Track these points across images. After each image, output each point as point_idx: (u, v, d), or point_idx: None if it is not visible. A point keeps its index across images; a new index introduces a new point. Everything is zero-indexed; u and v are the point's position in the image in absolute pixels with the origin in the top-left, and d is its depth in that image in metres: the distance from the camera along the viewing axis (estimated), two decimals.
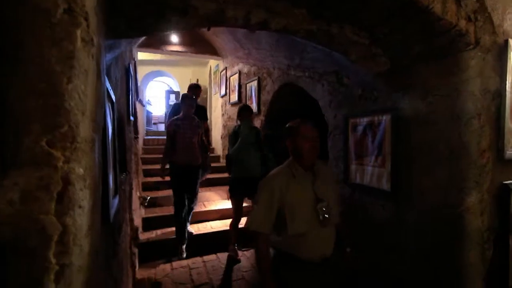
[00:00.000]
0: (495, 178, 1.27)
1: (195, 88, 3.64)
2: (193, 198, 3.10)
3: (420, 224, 1.45)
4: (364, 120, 1.79)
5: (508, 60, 1.21)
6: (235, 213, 2.81)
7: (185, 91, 3.64)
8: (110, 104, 1.37)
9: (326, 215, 1.27)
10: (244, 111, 2.81)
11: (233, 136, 2.80)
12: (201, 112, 3.52)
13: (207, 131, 3.67)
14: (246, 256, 2.86)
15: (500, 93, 1.23)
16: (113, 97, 1.47)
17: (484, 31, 1.22)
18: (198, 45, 5.00)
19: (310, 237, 1.27)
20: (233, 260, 2.61)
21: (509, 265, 1.31)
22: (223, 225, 3.44)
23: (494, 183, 1.27)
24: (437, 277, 1.36)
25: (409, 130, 1.53)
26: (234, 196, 2.78)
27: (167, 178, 3.08)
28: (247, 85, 4.03)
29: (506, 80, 1.21)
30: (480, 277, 1.29)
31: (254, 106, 3.71)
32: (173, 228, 3.00)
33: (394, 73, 1.55)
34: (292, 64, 2.77)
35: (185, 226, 3.00)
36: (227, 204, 3.85)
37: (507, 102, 1.22)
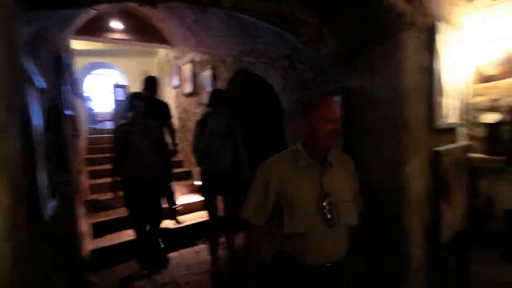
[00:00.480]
0: (429, 146, 1.42)
1: (150, 81, 3.04)
2: (154, 220, 2.53)
3: (373, 196, 1.57)
4: None
5: (436, 40, 1.34)
6: (210, 216, 2.48)
7: (134, 85, 3.24)
8: (37, 92, 1.18)
9: (333, 213, 1.08)
10: (215, 97, 2.46)
11: (200, 126, 2.42)
12: (162, 110, 2.98)
13: (173, 132, 3.19)
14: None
15: (431, 70, 1.36)
16: (41, 83, 1.27)
17: (419, 13, 1.33)
18: (145, 32, 4.63)
19: (312, 238, 1.08)
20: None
21: (440, 222, 1.49)
22: (191, 218, 3.33)
23: (428, 151, 1.42)
24: (387, 240, 1.49)
25: (360, 110, 1.62)
26: (207, 194, 2.50)
27: (121, 193, 2.52)
28: (201, 74, 3.87)
29: (435, 58, 1.34)
30: (421, 236, 1.45)
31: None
32: (129, 231, 2.77)
33: (343, 55, 1.62)
34: (245, 50, 2.73)
35: (156, 253, 2.55)
36: (190, 199, 3.73)
37: (436, 78, 1.36)
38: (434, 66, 1.36)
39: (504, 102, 1.59)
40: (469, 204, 1.73)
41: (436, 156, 1.42)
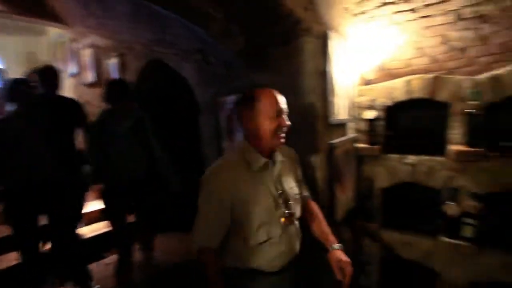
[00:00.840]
0: (325, 140, 1.63)
1: (48, 74, 2.06)
2: (58, 225, 1.95)
3: None
4: (231, 99, 1.88)
5: (328, 47, 1.54)
6: (120, 246, 2.05)
7: (14, 69, 2.28)
8: None
9: (290, 211, 1.04)
10: (114, 90, 1.94)
11: (97, 127, 1.90)
12: (71, 111, 2.06)
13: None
14: None
15: (325, 73, 1.55)
16: None
17: (314, 21, 1.49)
18: (30, 5, 3.71)
19: (277, 241, 1.02)
20: None
21: (335, 204, 1.75)
22: (95, 229, 2.91)
23: (325, 143, 1.63)
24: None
25: None
26: (112, 216, 1.99)
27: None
28: (106, 62, 3.39)
29: (328, 62, 1.54)
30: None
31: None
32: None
33: (251, 53, 1.67)
34: (154, 39, 2.52)
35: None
36: (91, 207, 3.26)
37: (329, 80, 1.56)
38: (328, 69, 1.55)
39: (379, 101, 1.96)
40: (356, 185, 2.08)
41: (331, 148, 1.64)
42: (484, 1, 1.44)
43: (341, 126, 1.82)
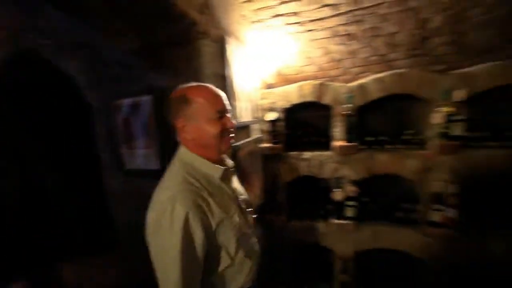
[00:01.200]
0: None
1: None
2: None
3: None
4: (128, 102, 1.70)
5: (227, 51, 1.57)
6: None
7: None
8: None
9: (254, 215, 0.95)
10: None
11: None
12: None
13: None
14: None
15: (225, 77, 1.58)
16: None
17: (211, 25, 1.49)
18: None
19: (250, 259, 0.91)
20: None
21: None
22: None
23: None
24: None
25: None
26: None
27: None
28: None
29: (227, 66, 1.57)
30: None
31: None
32: None
33: (148, 53, 1.56)
34: (26, 26, 2.04)
35: None
36: None
37: (229, 84, 1.60)
38: (227, 73, 1.58)
39: (279, 104, 2.15)
40: (263, 183, 2.22)
41: (234, 150, 1.69)
42: (350, 22, 1.75)
43: (245, 128, 1.90)
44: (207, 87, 0.86)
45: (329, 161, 2.08)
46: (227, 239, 0.84)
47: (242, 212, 0.93)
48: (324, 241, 2.18)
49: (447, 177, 1.80)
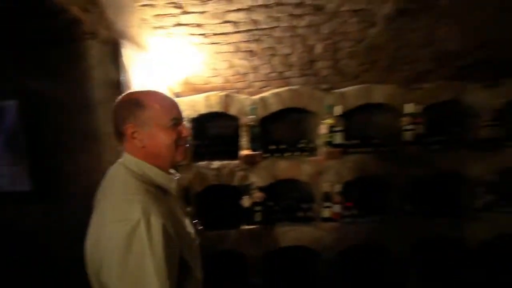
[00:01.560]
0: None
1: None
2: None
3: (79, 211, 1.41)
4: None
5: (122, 56, 1.45)
6: None
7: None
8: None
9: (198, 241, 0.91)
10: None
11: None
12: None
13: None
14: None
15: (119, 83, 1.45)
16: None
17: (100, 25, 1.34)
18: None
19: (198, 277, 0.86)
20: None
21: None
22: None
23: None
24: None
25: (51, 117, 1.38)
26: None
27: None
28: None
29: (122, 72, 1.45)
30: None
31: None
32: None
33: (20, 51, 1.28)
34: None
35: None
36: None
37: (124, 91, 1.47)
38: (123, 79, 1.45)
39: (187, 114, 2.11)
40: None
41: None
42: (251, 40, 1.89)
43: None
44: (161, 93, 0.83)
45: (237, 169, 2.15)
46: (186, 252, 0.80)
47: (190, 223, 0.93)
48: (237, 247, 2.22)
49: (333, 179, 2.13)
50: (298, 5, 1.68)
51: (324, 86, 2.27)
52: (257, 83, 2.24)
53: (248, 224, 2.16)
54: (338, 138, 2.07)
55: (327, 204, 2.14)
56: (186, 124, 0.89)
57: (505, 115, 2.10)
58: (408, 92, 2.11)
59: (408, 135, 2.08)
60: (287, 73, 2.18)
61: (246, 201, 2.13)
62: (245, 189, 2.15)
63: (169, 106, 0.81)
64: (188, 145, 0.88)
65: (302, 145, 2.22)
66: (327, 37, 1.91)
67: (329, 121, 2.04)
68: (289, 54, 2.02)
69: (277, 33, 1.86)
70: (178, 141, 0.81)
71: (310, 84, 2.25)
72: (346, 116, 2.13)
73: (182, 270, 0.77)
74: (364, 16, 1.77)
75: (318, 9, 1.70)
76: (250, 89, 2.24)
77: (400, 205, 2.20)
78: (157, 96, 0.82)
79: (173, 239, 0.71)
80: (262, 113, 2.09)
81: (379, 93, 2.09)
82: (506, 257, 2.30)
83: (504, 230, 2.24)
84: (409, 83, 2.30)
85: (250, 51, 1.99)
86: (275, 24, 1.80)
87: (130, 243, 0.65)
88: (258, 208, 2.14)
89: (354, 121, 2.27)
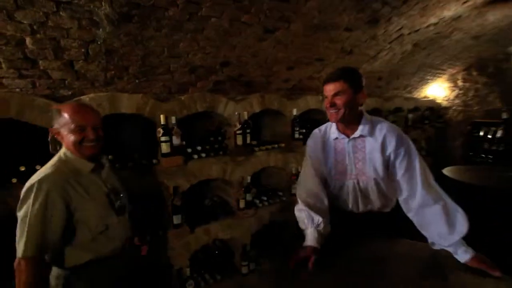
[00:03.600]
0: None
1: None
2: None
3: None
4: None
5: None
6: None
7: None
8: None
9: (120, 202, 1.30)
10: None
11: None
12: None
13: None
14: None
15: None
16: None
17: None
18: None
19: (111, 230, 1.26)
20: None
21: None
22: None
23: None
24: None
25: None
26: None
27: None
28: None
29: None
30: None
31: None
32: None
33: None
34: None
35: None
36: None
37: None
38: None
39: None
40: None
41: None
42: None
43: None
44: (73, 106, 1.23)
45: None
46: (87, 217, 1.19)
47: (110, 198, 1.28)
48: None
49: None
50: None
51: (65, 92, 1.87)
52: None
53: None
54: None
55: None
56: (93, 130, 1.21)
57: (250, 125, 2.47)
58: (161, 103, 2.06)
59: (164, 147, 2.02)
60: None
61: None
62: None
63: (76, 115, 1.19)
64: (92, 144, 1.21)
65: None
66: (36, 29, 1.50)
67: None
68: None
69: None
70: (83, 141, 1.20)
71: (41, 89, 1.78)
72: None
73: (72, 226, 1.17)
74: (77, 12, 1.50)
75: None
76: None
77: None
78: (69, 108, 1.21)
79: (58, 201, 1.11)
80: None
81: (128, 103, 1.92)
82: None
83: (265, 222, 2.66)
84: (169, 93, 2.30)
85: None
86: None
87: (24, 200, 1.09)
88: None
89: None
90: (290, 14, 2.10)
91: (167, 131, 2.01)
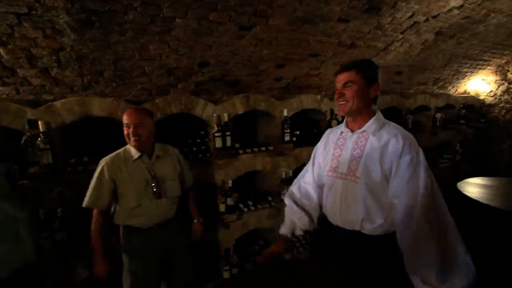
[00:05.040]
0: None
1: None
2: None
3: None
4: None
5: None
6: None
7: None
8: None
9: (156, 189, 1.63)
10: None
11: None
12: None
13: None
14: None
15: None
16: None
17: None
18: None
19: (145, 209, 1.62)
20: None
21: None
22: None
23: None
24: None
25: None
26: None
27: None
28: None
29: None
30: None
31: None
32: None
33: None
34: None
35: None
36: None
37: None
38: None
39: None
40: None
41: None
42: None
43: None
44: (128, 110, 1.64)
45: None
46: (126, 193, 1.61)
47: (147, 183, 1.64)
48: None
49: None
50: None
51: (47, 97, 2.01)
52: None
53: None
54: (48, 157, 1.83)
55: None
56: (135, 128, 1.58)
57: (230, 127, 2.38)
58: (135, 105, 2.09)
59: None
60: None
61: None
62: None
63: (127, 117, 1.60)
64: (134, 138, 1.58)
65: None
66: (5, 41, 1.62)
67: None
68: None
69: None
70: (128, 135, 1.60)
71: (24, 94, 1.93)
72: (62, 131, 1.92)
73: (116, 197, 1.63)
74: (38, 22, 1.58)
75: None
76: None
77: None
78: (126, 111, 1.64)
79: (109, 176, 1.59)
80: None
81: (100, 107, 1.98)
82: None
83: (251, 227, 2.57)
84: (150, 95, 2.32)
85: None
86: None
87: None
88: None
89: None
90: (265, 8, 1.95)
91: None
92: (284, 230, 1.47)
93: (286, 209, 1.51)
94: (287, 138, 2.66)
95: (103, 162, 1.60)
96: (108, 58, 1.94)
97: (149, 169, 1.65)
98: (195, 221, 1.98)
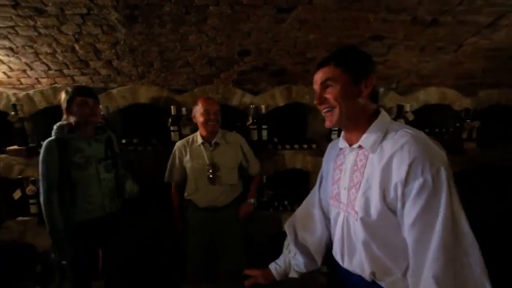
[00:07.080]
0: None
1: None
2: None
3: None
4: None
5: None
6: None
7: None
8: None
9: (211, 176, 1.79)
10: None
11: (55, 151, 1.57)
12: None
13: None
14: None
15: None
16: None
17: None
18: None
19: (201, 191, 1.84)
20: None
21: None
22: None
23: None
24: None
25: None
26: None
27: None
28: None
29: None
30: None
31: None
32: None
33: None
34: None
35: None
36: None
37: None
38: None
39: None
40: None
41: None
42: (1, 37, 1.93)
43: None
44: (204, 98, 1.88)
45: (16, 163, 2.22)
46: (189, 175, 1.88)
47: (205, 168, 1.83)
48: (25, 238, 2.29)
49: None
50: (15, 6, 1.72)
51: (113, 85, 2.36)
52: (44, 80, 2.30)
53: (22, 216, 2.25)
54: None
55: None
56: (213, 115, 1.82)
57: (265, 119, 2.24)
58: (175, 95, 2.21)
59: (173, 135, 2.20)
60: (67, 71, 2.24)
61: (17, 194, 2.20)
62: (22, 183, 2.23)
63: (205, 104, 1.81)
64: (212, 123, 1.81)
65: None
66: (77, 38, 1.97)
67: None
68: (51, 53, 2.07)
69: (25, 32, 1.90)
70: (205, 121, 1.80)
71: (97, 83, 2.33)
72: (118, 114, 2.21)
73: (185, 176, 1.92)
74: (97, 20, 1.84)
75: (38, 11, 1.75)
76: (40, 85, 2.29)
77: None
78: (202, 100, 1.87)
79: (178, 157, 1.92)
80: (30, 109, 2.16)
81: (146, 95, 2.19)
82: None
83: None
84: (196, 85, 2.41)
85: (10, 48, 2.03)
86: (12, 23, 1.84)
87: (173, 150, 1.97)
88: (32, 201, 2.22)
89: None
90: None
91: (176, 121, 2.15)
92: (274, 265, 1.22)
93: (285, 241, 1.25)
94: (334, 136, 2.31)
95: (177, 144, 1.92)
96: (154, 50, 2.10)
97: (208, 156, 1.82)
98: (247, 201, 2.00)
